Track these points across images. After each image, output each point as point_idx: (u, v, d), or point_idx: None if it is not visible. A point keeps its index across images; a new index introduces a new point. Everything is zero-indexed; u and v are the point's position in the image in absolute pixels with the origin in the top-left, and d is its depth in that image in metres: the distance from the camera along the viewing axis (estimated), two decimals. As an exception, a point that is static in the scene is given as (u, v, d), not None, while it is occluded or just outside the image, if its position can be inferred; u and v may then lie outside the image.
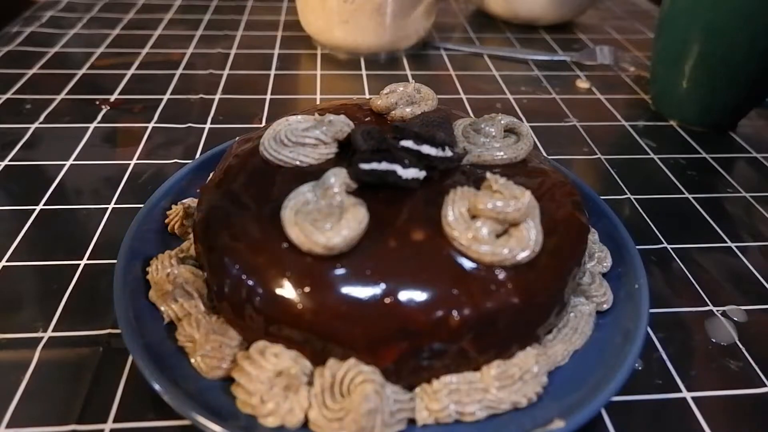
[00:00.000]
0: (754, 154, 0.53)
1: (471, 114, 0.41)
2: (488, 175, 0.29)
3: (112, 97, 0.56)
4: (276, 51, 0.69)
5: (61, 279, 0.35)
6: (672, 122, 0.57)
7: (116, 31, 0.71)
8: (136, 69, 0.62)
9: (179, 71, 0.62)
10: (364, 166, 0.29)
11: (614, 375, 0.28)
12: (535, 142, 0.51)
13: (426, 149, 0.30)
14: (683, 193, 0.47)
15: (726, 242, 0.41)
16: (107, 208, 0.41)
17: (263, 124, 0.53)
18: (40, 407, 0.28)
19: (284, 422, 0.25)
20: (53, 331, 0.31)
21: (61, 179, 0.44)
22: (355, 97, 0.56)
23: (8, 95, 0.55)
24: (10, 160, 0.46)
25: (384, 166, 0.29)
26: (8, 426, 0.27)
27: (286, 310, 0.26)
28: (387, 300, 0.26)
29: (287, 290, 0.26)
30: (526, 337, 0.29)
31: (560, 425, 0.25)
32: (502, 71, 0.67)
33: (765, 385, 0.31)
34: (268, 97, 0.58)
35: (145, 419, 0.27)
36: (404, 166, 0.29)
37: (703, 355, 0.33)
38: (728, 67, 0.51)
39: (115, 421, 0.27)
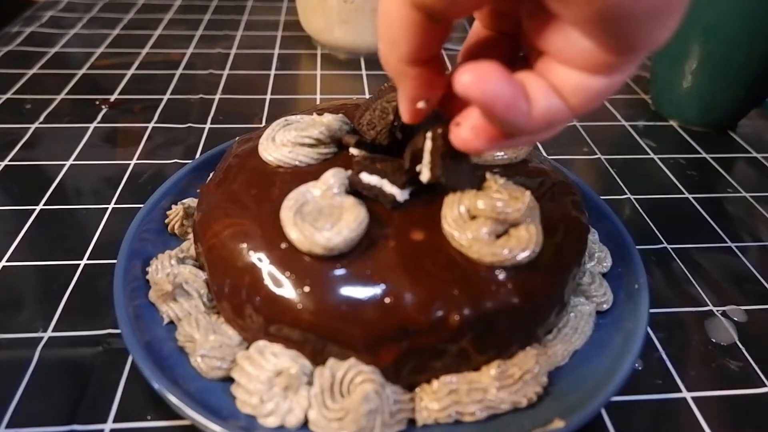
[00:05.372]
0: (754, 154, 0.53)
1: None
2: (488, 175, 0.29)
3: (112, 97, 0.56)
4: (276, 51, 0.69)
5: (61, 279, 0.35)
6: (672, 122, 0.57)
7: (116, 31, 0.71)
8: (136, 69, 0.62)
9: (179, 71, 0.62)
10: (366, 177, 0.29)
11: (614, 375, 0.28)
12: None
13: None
14: (683, 193, 0.47)
15: (726, 242, 0.41)
16: (107, 208, 0.41)
17: (263, 124, 0.53)
18: (40, 407, 0.28)
19: (284, 422, 0.25)
20: (53, 331, 0.31)
21: (61, 179, 0.44)
22: (354, 97, 0.56)
23: (8, 95, 0.55)
24: (10, 160, 0.46)
25: (386, 186, 0.29)
26: (8, 426, 0.27)
27: (286, 310, 0.26)
28: (387, 300, 0.26)
29: (287, 290, 0.26)
30: (526, 337, 0.29)
31: (560, 425, 0.25)
32: (502, 71, 0.67)
33: (765, 385, 0.31)
34: (268, 97, 0.58)
35: (145, 419, 0.27)
36: (402, 188, 0.29)
37: (703, 355, 0.33)
38: (728, 67, 0.51)
39: (115, 421, 0.27)
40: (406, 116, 0.25)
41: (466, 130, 0.22)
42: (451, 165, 0.28)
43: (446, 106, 0.25)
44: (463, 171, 0.29)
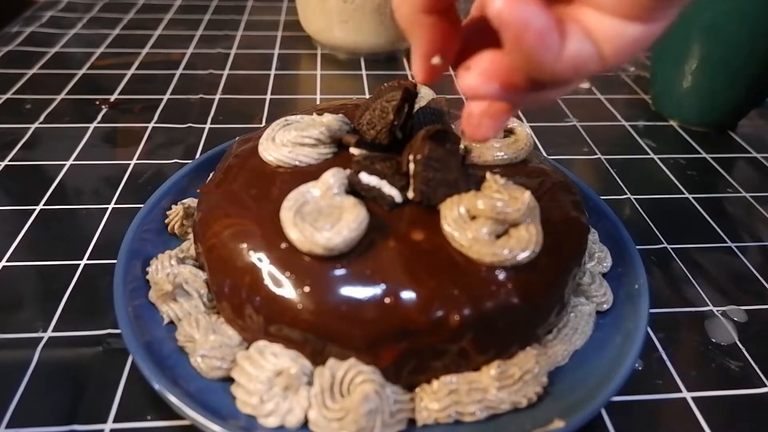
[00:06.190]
0: (754, 154, 0.53)
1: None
2: (488, 175, 0.29)
3: (112, 97, 0.56)
4: (276, 51, 0.69)
5: (61, 279, 0.35)
6: (672, 122, 0.57)
7: (116, 31, 0.71)
8: (136, 69, 0.62)
9: (179, 71, 0.62)
10: (365, 178, 0.29)
11: (614, 375, 0.28)
12: (535, 142, 0.51)
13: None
14: (683, 193, 0.47)
15: (726, 242, 0.41)
16: (107, 208, 0.41)
17: (263, 124, 0.53)
18: (40, 407, 0.28)
19: (284, 422, 0.25)
20: (53, 331, 0.31)
21: (61, 179, 0.44)
22: (354, 97, 0.56)
23: (8, 95, 0.55)
24: (10, 160, 0.46)
25: (385, 188, 0.29)
26: (8, 426, 0.27)
27: (286, 310, 0.26)
28: (387, 300, 0.26)
29: (287, 290, 0.26)
30: (526, 337, 0.29)
31: (560, 425, 0.25)
32: (502, 71, 0.67)
33: (765, 385, 0.31)
34: (268, 97, 0.58)
35: (145, 419, 0.27)
36: (401, 189, 0.29)
37: (703, 355, 0.33)
38: (728, 67, 0.51)
39: (115, 421, 0.27)
40: (419, 75, 0.23)
41: (474, 75, 0.21)
42: (437, 181, 0.28)
43: (460, 63, 0.23)
44: (453, 179, 0.29)
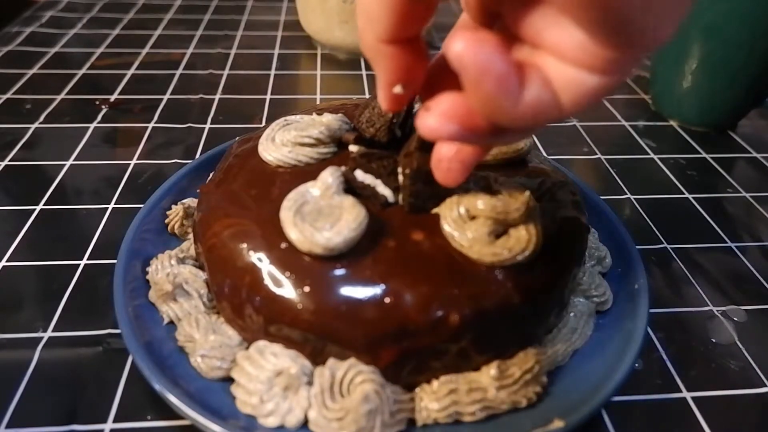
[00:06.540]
0: (754, 154, 0.53)
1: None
2: (488, 175, 0.29)
3: (112, 97, 0.56)
4: (276, 51, 0.69)
5: (61, 279, 0.35)
6: (672, 122, 0.57)
7: (116, 31, 0.71)
8: (136, 69, 0.62)
9: (179, 71, 0.62)
10: (360, 176, 0.29)
11: (614, 375, 0.28)
12: (535, 142, 0.51)
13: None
14: (683, 193, 0.47)
15: (726, 242, 0.41)
16: (107, 208, 0.41)
17: (263, 124, 0.53)
18: (40, 407, 0.28)
19: (284, 422, 0.25)
20: (53, 331, 0.31)
21: (61, 179, 0.44)
22: (355, 97, 0.56)
23: (8, 95, 0.55)
24: (10, 160, 0.46)
25: (379, 187, 0.29)
26: (8, 426, 0.27)
27: (286, 310, 0.26)
28: (387, 300, 0.26)
29: (287, 290, 0.26)
30: (526, 337, 0.29)
31: (560, 425, 0.25)
32: (502, 71, 0.67)
33: (765, 385, 0.31)
34: (268, 97, 0.58)
35: (145, 419, 0.27)
36: (394, 190, 0.29)
37: (703, 355, 0.33)
38: (728, 67, 0.51)
39: (115, 421, 0.27)
40: (383, 103, 0.23)
41: (434, 117, 0.21)
42: (426, 194, 0.28)
43: (426, 97, 0.23)
44: (444, 190, 0.28)
